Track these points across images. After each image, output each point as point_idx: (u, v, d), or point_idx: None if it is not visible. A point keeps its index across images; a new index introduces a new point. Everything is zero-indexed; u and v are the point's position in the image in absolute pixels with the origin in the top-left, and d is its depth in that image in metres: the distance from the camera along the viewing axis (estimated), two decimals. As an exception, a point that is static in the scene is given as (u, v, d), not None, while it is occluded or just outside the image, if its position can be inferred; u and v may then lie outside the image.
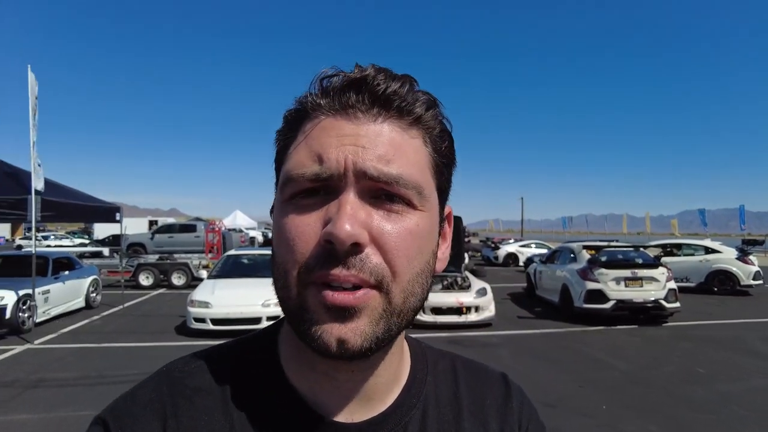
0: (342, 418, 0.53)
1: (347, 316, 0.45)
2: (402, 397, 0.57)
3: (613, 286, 9.30)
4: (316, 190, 0.47)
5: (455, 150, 0.55)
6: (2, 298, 8.01)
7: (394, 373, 0.57)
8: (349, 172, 0.46)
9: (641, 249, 10.71)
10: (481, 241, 26.52)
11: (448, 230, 0.58)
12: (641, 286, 9.33)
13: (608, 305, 9.23)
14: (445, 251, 0.56)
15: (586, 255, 10.52)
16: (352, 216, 0.44)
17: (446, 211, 0.56)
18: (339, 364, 0.50)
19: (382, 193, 0.47)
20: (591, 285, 9.42)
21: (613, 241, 14.67)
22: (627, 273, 9.42)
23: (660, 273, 9.46)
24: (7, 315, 7.94)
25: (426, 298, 0.51)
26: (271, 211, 0.53)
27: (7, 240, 44.72)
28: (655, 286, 9.33)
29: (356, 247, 0.44)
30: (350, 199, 0.45)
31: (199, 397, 0.53)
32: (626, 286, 9.30)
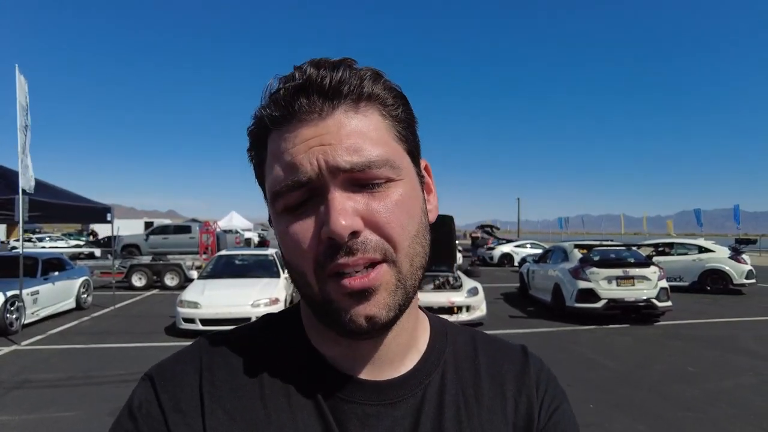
0: (365, 377, 0.57)
1: (368, 295, 0.50)
2: (422, 362, 0.61)
3: (605, 285, 9.28)
4: (305, 199, 0.51)
5: (412, 108, 0.57)
6: (-11, 299, 7.93)
7: (410, 336, 0.61)
8: (325, 172, 0.49)
9: (633, 248, 10.70)
10: (481, 234, 26.11)
11: (430, 181, 0.62)
12: (633, 285, 9.31)
13: (600, 304, 9.21)
14: (432, 200, 0.61)
15: (578, 254, 10.51)
16: (342, 210, 0.48)
17: (422, 165, 0.60)
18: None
19: (360, 181, 0.50)
20: (583, 284, 9.40)
21: (608, 241, 14.67)
22: (619, 272, 9.40)
23: (652, 272, 9.44)
24: (-6, 316, 7.86)
25: (429, 251, 0.56)
26: (270, 222, 0.58)
27: (2, 242, 44.48)
28: (647, 285, 9.31)
29: (355, 235, 0.49)
30: (335, 195, 0.49)
31: (232, 356, 0.59)
32: (618, 285, 9.28)
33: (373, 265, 0.50)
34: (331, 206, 0.48)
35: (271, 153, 0.53)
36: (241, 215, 33.12)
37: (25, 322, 8.57)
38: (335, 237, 0.47)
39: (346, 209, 0.48)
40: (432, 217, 0.59)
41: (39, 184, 8.76)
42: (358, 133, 0.50)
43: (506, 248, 24.55)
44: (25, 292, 8.49)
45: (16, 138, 8.09)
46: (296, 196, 0.50)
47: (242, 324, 0.66)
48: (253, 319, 7.93)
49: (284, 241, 0.53)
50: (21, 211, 7.74)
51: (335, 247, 0.48)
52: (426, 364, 0.61)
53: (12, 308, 8.24)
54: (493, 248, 24.94)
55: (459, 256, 13.58)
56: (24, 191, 7.89)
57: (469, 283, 9.54)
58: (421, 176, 0.59)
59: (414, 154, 0.57)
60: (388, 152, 0.51)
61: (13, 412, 4.73)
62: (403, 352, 0.60)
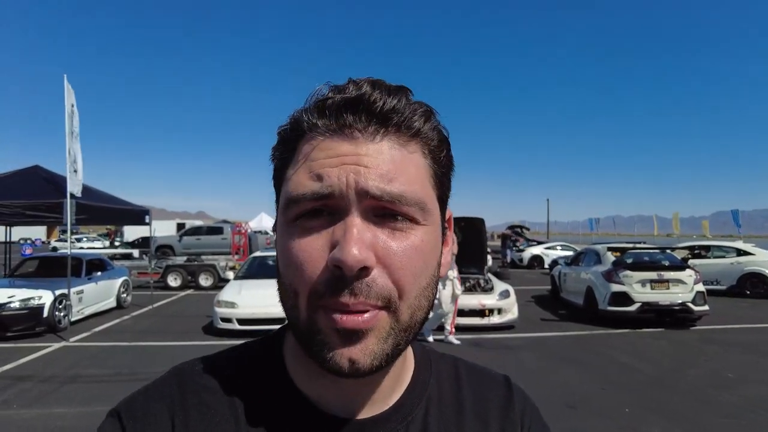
0: (345, 415, 0.54)
1: (356, 338, 0.46)
2: (405, 398, 0.58)
3: (639, 288, 9.16)
4: (320, 211, 0.47)
5: (452, 155, 0.55)
6: (40, 297, 8.36)
7: (396, 377, 0.58)
8: (351, 192, 0.45)
9: (668, 251, 10.52)
10: (510, 236, 25.88)
11: (450, 234, 0.58)
12: (668, 288, 9.16)
13: (633, 308, 9.10)
14: (446, 254, 0.57)
15: (611, 257, 10.39)
16: (359, 240, 0.44)
17: (447, 215, 0.57)
18: None
19: (385, 211, 0.47)
20: (616, 287, 9.30)
21: (641, 242, 14.44)
22: (653, 275, 9.26)
23: (687, 275, 9.27)
24: (45, 314, 8.28)
25: (432, 308, 0.52)
26: (274, 229, 0.54)
27: (43, 242, 46.28)
28: (682, 289, 9.14)
29: (363, 271, 0.45)
30: (356, 221, 0.45)
31: (207, 394, 0.55)
32: (652, 288, 9.15)
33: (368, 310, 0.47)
34: (348, 232, 0.45)
35: (299, 158, 0.49)
36: (271, 216, 33.62)
37: (72, 320, 9.00)
38: (343, 267, 0.44)
39: (363, 239, 0.45)
40: (442, 273, 0.55)
41: (83, 188, 9.18)
42: (396, 164, 0.47)
43: (536, 250, 24.31)
44: (72, 291, 8.90)
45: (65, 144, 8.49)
46: (312, 207, 0.47)
47: (221, 351, 0.62)
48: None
49: (286, 253, 0.49)
50: (69, 215, 8.13)
51: (340, 279, 0.45)
52: (410, 398, 0.58)
53: (60, 306, 8.66)
54: (522, 250, 24.73)
55: (489, 258, 13.53)
56: (72, 195, 8.28)
57: (500, 285, 9.56)
58: (443, 226, 0.55)
59: (444, 202, 0.55)
60: (421, 193, 0.49)
61: (69, 405, 5.04)
62: (388, 389, 0.57)
